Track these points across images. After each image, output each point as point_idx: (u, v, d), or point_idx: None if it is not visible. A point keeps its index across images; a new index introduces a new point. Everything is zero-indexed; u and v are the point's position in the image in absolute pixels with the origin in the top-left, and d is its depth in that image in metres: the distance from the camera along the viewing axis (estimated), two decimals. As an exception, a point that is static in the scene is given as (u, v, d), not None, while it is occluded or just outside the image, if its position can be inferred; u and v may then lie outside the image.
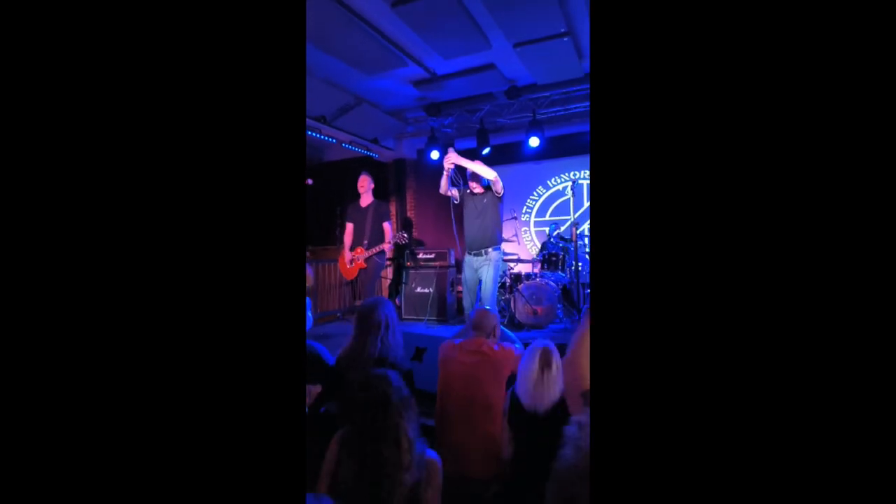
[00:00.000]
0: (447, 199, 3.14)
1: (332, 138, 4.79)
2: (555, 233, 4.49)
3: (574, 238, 3.50)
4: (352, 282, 3.84)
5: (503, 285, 4.35)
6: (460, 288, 3.63)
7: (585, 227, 5.06)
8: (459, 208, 3.15)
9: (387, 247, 3.55)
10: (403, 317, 4.62)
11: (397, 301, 4.87)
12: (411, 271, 4.89)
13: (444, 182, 2.99)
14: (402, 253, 5.15)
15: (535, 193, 5.52)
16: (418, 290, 4.78)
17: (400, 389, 1.12)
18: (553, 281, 4.10)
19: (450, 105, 4.84)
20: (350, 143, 5.07)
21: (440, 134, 5.14)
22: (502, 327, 2.03)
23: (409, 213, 6.15)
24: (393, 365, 1.61)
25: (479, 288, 3.07)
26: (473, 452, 1.57)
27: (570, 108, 4.62)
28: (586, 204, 5.19)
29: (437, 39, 3.32)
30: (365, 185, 3.67)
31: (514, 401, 1.53)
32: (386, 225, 3.63)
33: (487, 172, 2.90)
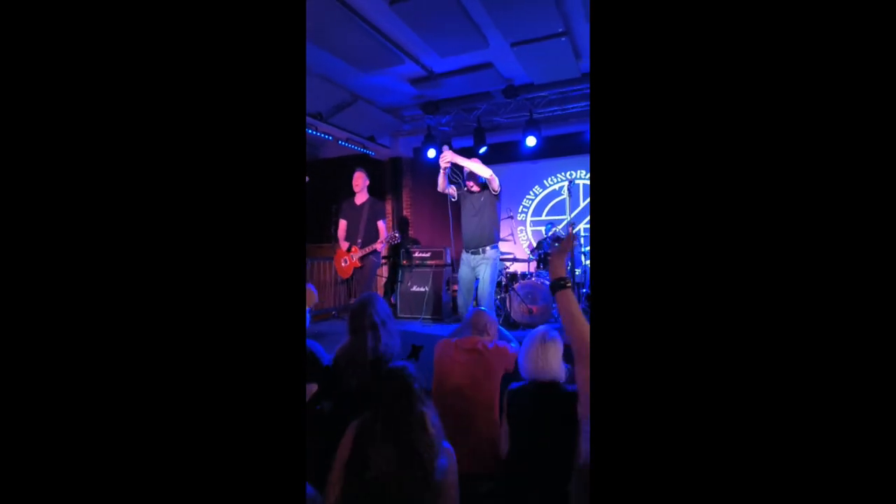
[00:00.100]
0: (444, 197, 3.14)
1: (328, 135, 4.77)
2: (550, 232, 4.50)
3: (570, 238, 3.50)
4: (347, 280, 3.83)
5: (499, 284, 4.36)
6: (456, 287, 3.64)
7: (581, 226, 5.07)
8: (457, 206, 3.15)
9: (379, 246, 3.55)
10: (399, 315, 4.61)
11: (393, 299, 4.87)
12: (407, 270, 4.89)
13: (441, 180, 2.99)
14: (398, 251, 5.14)
15: (531, 193, 5.53)
16: (414, 288, 4.77)
17: (420, 379, 1.18)
18: (548, 280, 4.11)
19: (447, 103, 4.84)
20: (346, 141, 5.05)
21: (437, 132, 5.13)
22: (500, 328, 2.04)
23: (405, 212, 6.14)
24: (389, 362, 1.60)
25: (476, 287, 3.07)
26: (469, 449, 1.57)
27: (567, 108, 4.63)
28: (582, 204, 5.20)
29: (434, 38, 3.31)
30: (360, 183, 3.65)
31: (512, 394, 1.53)
32: (380, 223, 3.63)
33: (483, 171, 2.90)
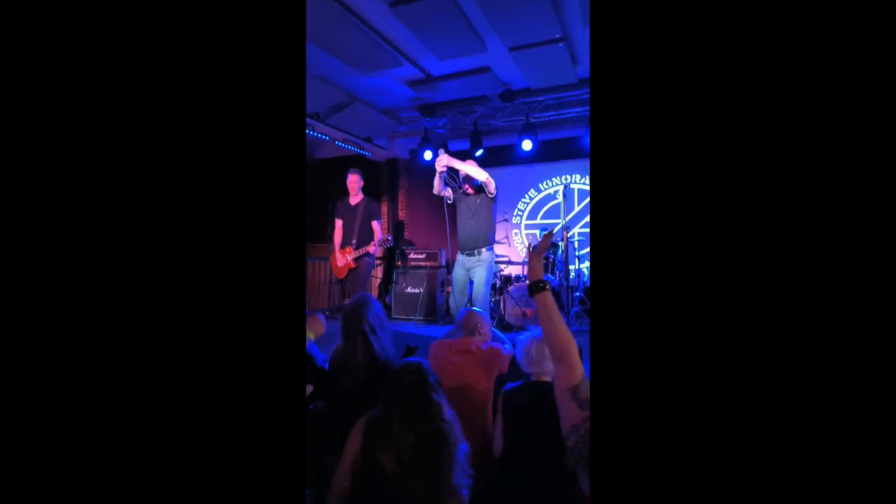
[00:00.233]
0: (439, 199, 3.15)
1: (325, 135, 4.77)
2: (543, 234, 4.52)
3: (564, 242, 3.54)
4: (341, 280, 3.83)
5: (493, 287, 4.38)
6: (450, 288, 3.65)
7: (576, 231, 5.11)
8: (453, 208, 3.16)
9: (372, 249, 3.55)
10: (393, 316, 4.62)
11: (387, 300, 4.87)
12: (402, 271, 4.89)
13: (437, 183, 3.00)
14: (393, 253, 5.15)
15: (526, 196, 5.56)
16: (408, 290, 4.78)
17: (432, 374, 1.21)
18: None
19: (444, 106, 4.86)
20: (343, 141, 5.06)
21: (434, 134, 5.15)
22: (494, 329, 2.05)
23: (400, 213, 6.15)
24: (385, 365, 1.61)
25: (471, 288, 3.08)
26: (462, 450, 1.58)
27: (564, 113, 4.67)
28: (577, 208, 5.24)
29: (433, 40, 3.33)
30: (354, 185, 3.64)
31: (507, 395, 1.55)
32: (375, 224, 3.63)
33: (479, 174, 2.92)
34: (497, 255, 3.70)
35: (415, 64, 3.83)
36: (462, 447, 1.15)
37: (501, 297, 4.14)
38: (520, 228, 5.59)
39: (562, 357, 1.11)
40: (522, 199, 5.57)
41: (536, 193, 5.51)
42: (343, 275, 3.65)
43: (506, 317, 4.08)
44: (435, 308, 4.53)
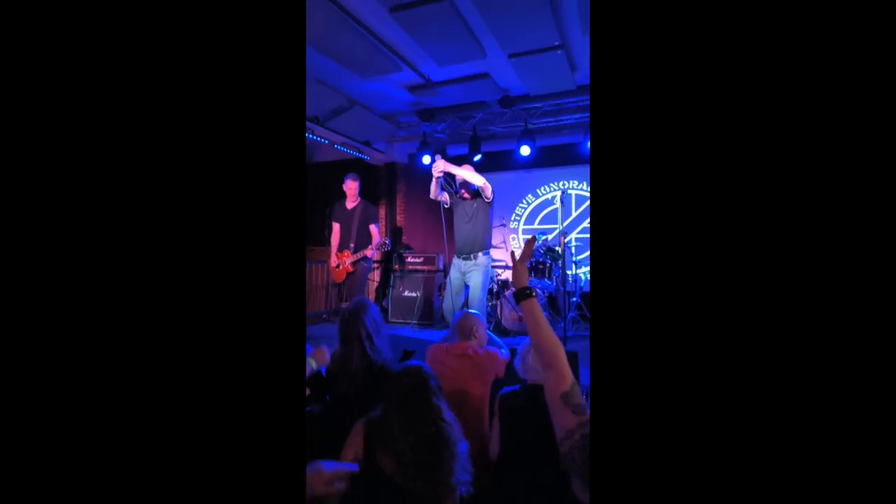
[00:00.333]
0: (437, 203, 3.16)
1: (325, 139, 4.79)
2: (541, 239, 4.55)
3: (561, 247, 3.56)
4: (339, 284, 3.83)
5: (490, 291, 4.38)
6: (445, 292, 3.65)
7: (573, 236, 5.13)
8: (450, 213, 3.17)
9: (370, 253, 3.55)
10: (390, 320, 4.62)
11: (384, 304, 4.87)
12: (399, 275, 4.90)
13: (433, 188, 3.01)
14: (390, 256, 5.15)
15: (524, 201, 5.58)
16: (406, 293, 4.78)
17: (433, 377, 1.24)
18: (539, 288, 4.15)
19: (443, 111, 4.89)
20: (342, 145, 5.08)
21: (432, 139, 5.17)
22: (490, 333, 2.05)
23: (398, 217, 6.16)
24: (382, 369, 1.61)
25: (467, 293, 3.09)
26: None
27: (562, 120, 4.70)
28: (574, 213, 5.26)
29: (433, 46, 3.36)
30: (352, 190, 3.64)
31: (503, 398, 1.55)
32: (373, 227, 3.63)
33: (476, 178, 2.94)
34: (494, 260, 3.71)
35: (414, 69, 3.86)
36: (462, 446, 1.16)
37: (498, 302, 4.15)
38: (517, 233, 5.60)
39: (551, 363, 1.11)
40: (520, 204, 5.59)
41: (534, 199, 5.53)
42: (341, 279, 3.66)
43: (502, 321, 4.09)
44: (431, 312, 4.54)
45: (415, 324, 4.56)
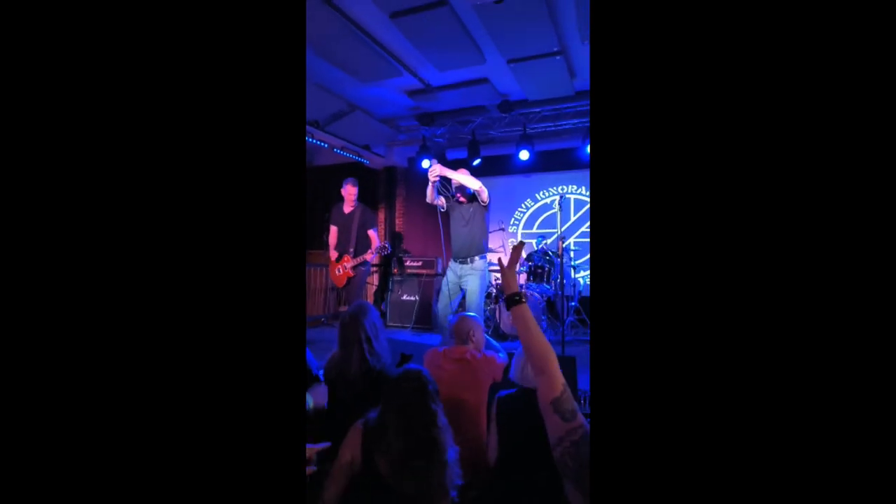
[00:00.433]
0: (436, 207, 3.17)
1: (324, 143, 4.80)
2: (540, 244, 4.56)
3: (560, 251, 3.56)
4: (338, 288, 3.83)
5: (489, 295, 4.39)
6: (440, 295, 3.65)
7: (571, 241, 5.14)
8: (446, 217, 3.18)
9: (370, 257, 3.56)
10: (388, 323, 4.62)
11: (382, 307, 4.87)
12: (397, 279, 4.90)
13: (430, 192, 3.02)
14: (390, 260, 5.16)
15: (523, 206, 5.59)
16: (404, 297, 4.78)
17: (431, 382, 1.24)
18: (538, 293, 4.15)
19: (442, 116, 4.91)
20: (341, 149, 5.09)
21: (432, 143, 5.19)
22: (488, 337, 2.06)
23: (398, 220, 6.17)
24: (381, 374, 1.61)
25: (463, 297, 3.08)
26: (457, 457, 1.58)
27: (561, 125, 4.72)
28: (573, 218, 5.28)
29: (433, 52, 3.38)
30: (350, 195, 3.64)
31: (501, 402, 1.55)
32: (371, 233, 3.63)
33: (472, 182, 2.94)
34: (492, 264, 3.71)
35: (414, 74, 3.88)
36: (452, 451, 1.17)
37: (497, 306, 4.16)
38: (516, 237, 5.61)
39: (543, 369, 1.11)
40: (519, 209, 5.61)
41: (533, 203, 5.55)
42: (342, 283, 3.66)
43: (501, 325, 4.09)
44: (429, 316, 4.54)
45: (412, 328, 4.56)
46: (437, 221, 3.22)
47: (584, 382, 2.47)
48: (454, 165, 3.09)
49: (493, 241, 4.99)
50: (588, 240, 5.12)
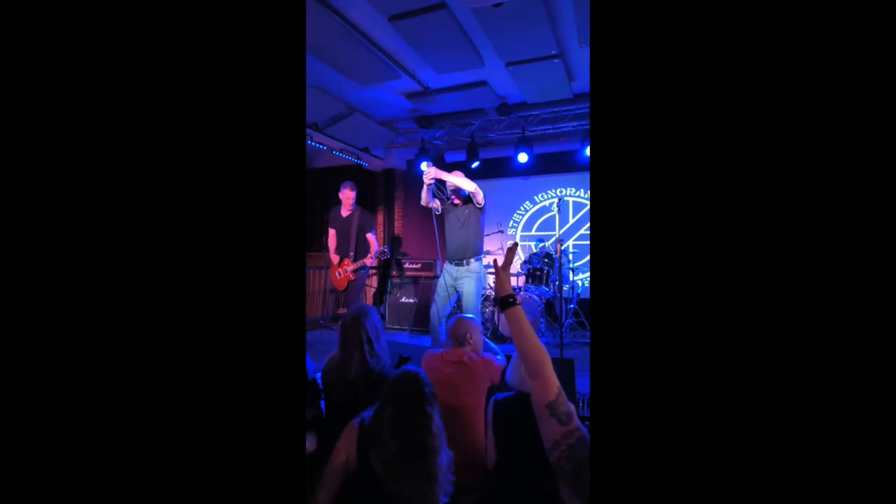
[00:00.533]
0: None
1: (323, 145, 4.81)
2: (539, 246, 4.56)
3: (559, 254, 3.57)
4: (338, 291, 3.83)
5: (486, 297, 4.39)
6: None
7: (570, 243, 5.15)
8: (442, 219, 3.18)
9: (369, 261, 3.56)
10: (387, 326, 4.62)
11: (381, 310, 4.87)
12: (396, 281, 4.90)
13: (424, 195, 3.02)
14: (388, 263, 5.16)
15: (521, 208, 5.60)
16: (403, 299, 4.78)
17: (429, 385, 1.24)
18: (537, 295, 4.16)
19: (441, 118, 4.92)
20: (340, 151, 5.10)
21: (430, 146, 5.20)
22: (485, 339, 2.06)
23: (396, 223, 6.18)
24: (380, 376, 1.61)
25: (458, 300, 3.08)
26: (455, 460, 1.58)
27: (559, 127, 4.74)
28: (571, 220, 5.28)
29: (431, 54, 3.39)
30: (348, 199, 3.63)
31: (498, 405, 1.55)
32: (370, 236, 3.64)
33: (467, 184, 2.94)
34: (489, 266, 3.71)
35: (413, 77, 3.88)
36: (445, 456, 1.17)
37: (495, 308, 4.15)
38: (515, 240, 5.62)
39: (537, 372, 1.11)
40: (518, 211, 5.61)
41: (531, 205, 5.56)
42: (343, 286, 3.66)
43: (500, 328, 4.09)
44: (428, 318, 4.53)
45: (411, 330, 4.55)
46: (434, 223, 3.23)
47: (582, 385, 2.47)
48: (453, 168, 3.10)
49: (492, 244, 5.00)
50: (586, 242, 5.13)
